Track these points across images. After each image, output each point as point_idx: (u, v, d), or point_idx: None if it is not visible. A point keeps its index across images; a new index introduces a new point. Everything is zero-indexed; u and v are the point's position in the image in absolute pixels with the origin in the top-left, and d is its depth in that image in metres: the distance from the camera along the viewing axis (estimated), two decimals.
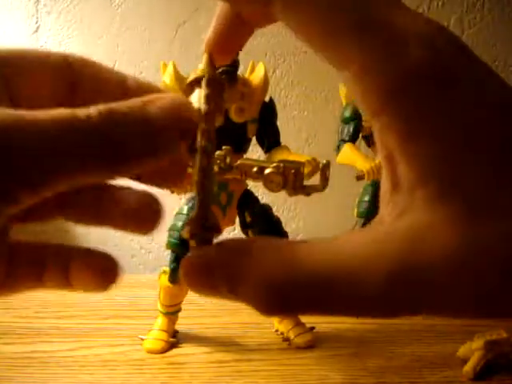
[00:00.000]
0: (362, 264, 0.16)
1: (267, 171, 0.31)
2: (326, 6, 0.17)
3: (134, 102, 0.18)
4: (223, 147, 0.40)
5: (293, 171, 0.29)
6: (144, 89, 0.21)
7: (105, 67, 0.21)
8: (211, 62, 0.21)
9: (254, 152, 0.62)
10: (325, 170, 0.31)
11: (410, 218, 0.16)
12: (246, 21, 0.20)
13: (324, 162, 0.36)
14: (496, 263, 0.15)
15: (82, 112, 0.17)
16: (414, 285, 0.16)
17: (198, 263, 0.18)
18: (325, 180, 0.30)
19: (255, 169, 0.33)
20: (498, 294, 0.16)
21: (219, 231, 0.19)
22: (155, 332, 0.50)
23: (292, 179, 0.29)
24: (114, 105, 0.17)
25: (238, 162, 0.36)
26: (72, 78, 0.20)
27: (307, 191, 0.28)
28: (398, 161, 0.16)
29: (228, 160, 0.38)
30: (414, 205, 0.16)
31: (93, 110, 0.17)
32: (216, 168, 0.41)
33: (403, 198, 0.16)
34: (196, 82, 0.20)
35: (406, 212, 0.16)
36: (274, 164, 0.30)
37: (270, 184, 0.30)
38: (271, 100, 0.51)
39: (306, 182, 0.32)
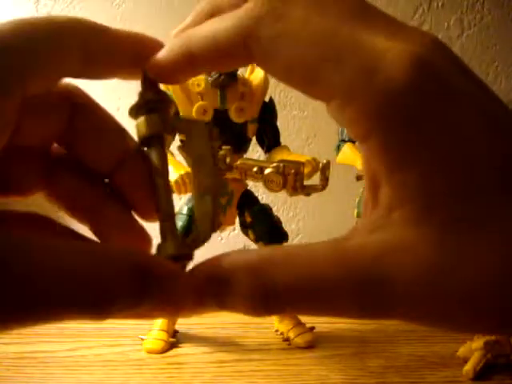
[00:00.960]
0: (328, 276, 0.16)
1: (267, 171, 0.31)
2: (299, 51, 0.17)
3: None
4: (223, 147, 0.40)
5: (293, 171, 0.29)
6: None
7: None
8: (149, 85, 0.19)
9: (254, 152, 0.62)
10: (325, 169, 0.31)
11: (383, 235, 0.16)
12: (199, 67, 0.20)
13: (324, 161, 0.36)
14: (464, 284, 0.16)
15: None
16: (380, 297, 0.16)
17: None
18: (325, 180, 0.30)
19: (255, 169, 0.33)
20: (468, 313, 0.16)
21: (190, 259, 0.19)
22: (155, 332, 0.50)
23: (292, 179, 0.29)
24: None
25: (238, 161, 0.36)
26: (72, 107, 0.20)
27: (307, 191, 0.28)
28: (381, 183, 0.17)
29: (228, 160, 0.38)
30: (390, 224, 0.16)
31: None
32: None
33: (380, 217, 0.17)
34: (139, 108, 0.19)
35: (379, 229, 0.17)
36: (274, 164, 0.30)
37: (270, 184, 0.30)
38: (271, 100, 0.51)
39: (306, 182, 0.32)
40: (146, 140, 0.19)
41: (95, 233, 0.21)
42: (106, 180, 0.21)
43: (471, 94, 0.17)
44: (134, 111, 0.19)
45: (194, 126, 0.20)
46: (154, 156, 0.19)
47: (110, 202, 0.21)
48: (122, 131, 0.21)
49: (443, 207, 0.16)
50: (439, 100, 0.16)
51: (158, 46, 0.21)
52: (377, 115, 0.16)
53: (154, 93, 0.19)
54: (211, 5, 0.21)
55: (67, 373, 0.46)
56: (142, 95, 0.19)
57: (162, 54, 0.20)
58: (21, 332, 0.53)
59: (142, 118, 0.19)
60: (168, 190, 0.19)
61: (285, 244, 0.16)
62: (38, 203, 0.22)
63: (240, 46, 0.18)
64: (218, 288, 0.18)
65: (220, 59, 0.19)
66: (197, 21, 0.22)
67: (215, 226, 0.19)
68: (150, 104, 0.19)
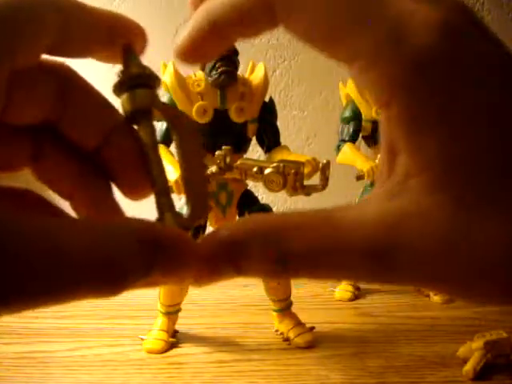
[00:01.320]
0: (344, 240, 0.17)
1: (267, 171, 0.30)
2: (325, 8, 0.17)
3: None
4: (223, 147, 0.40)
5: (293, 171, 0.29)
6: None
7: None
8: (132, 60, 0.19)
9: (254, 152, 0.62)
10: (325, 169, 0.31)
11: (400, 202, 0.17)
12: (225, 37, 0.20)
13: (324, 161, 0.36)
14: (476, 252, 0.16)
15: None
16: (395, 261, 0.16)
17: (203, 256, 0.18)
18: (325, 180, 0.30)
19: (255, 169, 0.33)
20: (479, 281, 0.16)
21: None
22: (155, 332, 0.50)
23: (292, 179, 0.29)
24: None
25: (238, 162, 0.36)
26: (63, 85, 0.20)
27: (307, 191, 0.28)
28: (400, 150, 0.17)
29: (228, 160, 0.38)
30: (407, 191, 0.17)
31: None
32: (216, 168, 0.41)
33: (396, 184, 0.17)
34: (122, 84, 0.19)
35: (396, 196, 0.17)
36: (274, 164, 0.30)
37: (270, 184, 0.30)
38: (271, 100, 0.51)
39: (306, 182, 0.31)
40: (132, 116, 0.18)
41: (75, 210, 0.21)
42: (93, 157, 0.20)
43: (495, 57, 0.17)
44: (118, 88, 0.18)
45: (178, 116, 0.20)
46: (143, 132, 0.18)
47: (94, 180, 0.21)
48: (110, 107, 0.20)
49: (460, 176, 0.16)
50: (465, 66, 0.16)
51: (135, 26, 0.21)
52: (401, 80, 0.16)
53: (137, 67, 0.18)
54: None
55: (67, 373, 0.46)
56: (124, 71, 0.18)
57: (185, 33, 0.20)
58: (21, 332, 0.53)
59: (125, 94, 0.18)
60: (161, 165, 0.19)
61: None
62: (23, 180, 0.22)
63: (263, 6, 0.18)
64: (233, 253, 0.18)
65: (244, 25, 0.19)
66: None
67: (208, 205, 0.19)
68: (135, 79, 0.18)
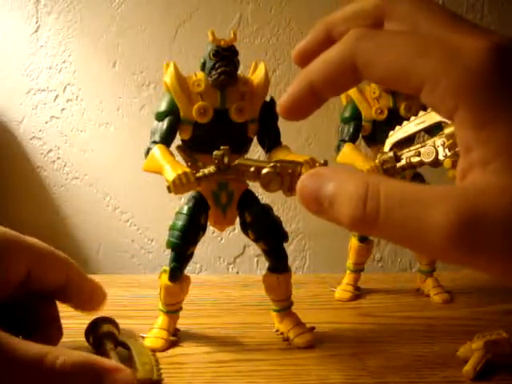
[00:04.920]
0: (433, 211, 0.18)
1: (264, 171, 0.31)
2: (393, 57, 0.21)
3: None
4: (221, 147, 0.40)
5: (289, 171, 0.29)
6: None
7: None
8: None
9: (254, 152, 0.62)
10: None
11: (481, 183, 0.19)
12: (319, 95, 0.24)
13: (321, 161, 0.36)
14: None
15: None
16: (475, 242, 0.18)
17: (310, 180, 0.23)
18: None
19: (252, 169, 0.33)
20: None
21: None
22: (156, 330, 0.50)
23: (288, 179, 0.29)
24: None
25: (236, 162, 0.36)
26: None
27: None
28: (473, 147, 0.19)
29: (226, 160, 0.38)
30: (486, 175, 0.19)
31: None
32: (214, 168, 0.41)
33: (476, 174, 0.19)
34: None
35: (478, 180, 0.19)
36: (271, 164, 0.30)
37: (267, 184, 0.30)
38: (272, 99, 0.51)
39: None
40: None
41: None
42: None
43: None
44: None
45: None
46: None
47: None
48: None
49: None
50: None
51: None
52: (460, 91, 0.19)
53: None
54: (323, 29, 0.27)
55: None
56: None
57: (288, 93, 0.25)
58: None
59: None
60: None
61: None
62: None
63: (348, 64, 0.22)
64: (331, 196, 0.21)
65: (335, 81, 0.23)
66: (310, 42, 0.28)
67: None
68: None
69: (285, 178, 0.29)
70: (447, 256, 0.18)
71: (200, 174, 0.42)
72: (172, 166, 0.44)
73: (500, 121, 0.19)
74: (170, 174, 0.43)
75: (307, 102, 0.25)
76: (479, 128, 0.19)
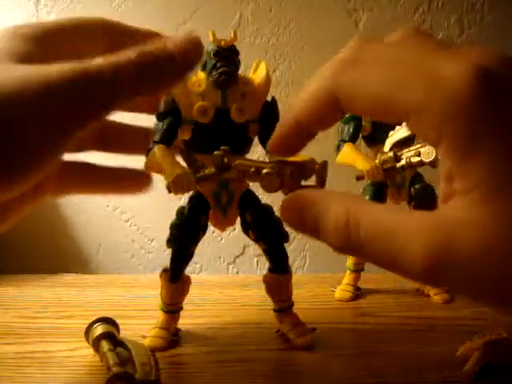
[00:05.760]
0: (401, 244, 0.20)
1: (264, 171, 0.31)
2: (375, 91, 0.21)
3: (157, 45, 0.27)
4: (221, 148, 0.40)
5: (289, 172, 0.29)
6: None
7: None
8: None
9: (254, 152, 0.62)
10: (320, 170, 0.31)
11: (456, 213, 0.19)
12: (307, 130, 0.25)
13: (320, 162, 0.36)
14: None
15: (124, 54, 0.26)
16: (448, 273, 0.19)
17: (293, 203, 0.24)
18: (321, 181, 0.30)
19: (252, 169, 0.33)
20: None
21: None
22: (156, 330, 0.51)
23: (288, 180, 0.29)
24: (143, 48, 0.26)
25: (236, 162, 0.36)
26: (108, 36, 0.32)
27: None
28: (454, 177, 0.20)
29: (226, 160, 0.38)
30: (462, 206, 0.19)
31: (131, 53, 0.26)
32: (214, 168, 0.41)
33: (456, 200, 0.20)
34: None
35: (453, 209, 0.20)
36: (271, 164, 0.30)
37: (267, 185, 0.30)
38: (273, 99, 0.51)
39: (304, 183, 0.31)
40: None
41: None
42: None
43: None
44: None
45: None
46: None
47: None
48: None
49: (506, 192, 0.18)
50: (495, 102, 0.19)
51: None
52: (442, 123, 0.19)
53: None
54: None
55: (67, 373, 0.46)
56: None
57: (276, 134, 0.26)
58: (21, 332, 0.54)
59: None
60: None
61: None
62: None
63: (330, 100, 0.23)
64: (314, 221, 0.23)
65: (320, 116, 0.24)
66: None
67: None
68: None
69: (285, 178, 0.29)
70: (426, 283, 0.20)
71: (200, 174, 0.42)
72: (172, 166, 0.44)
73: (479, 153, 0.19)
74: (170, 174, 0.43)
75: (297, 139, 0.26)
76: (459, 160, 0.19)
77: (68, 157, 0.34)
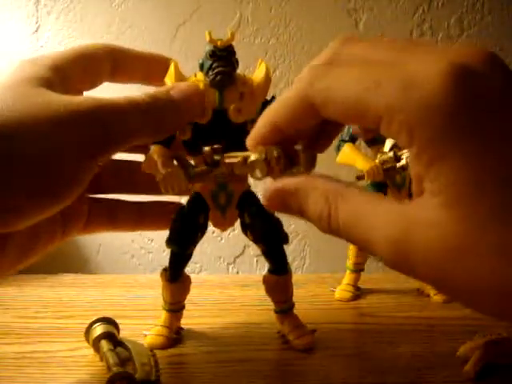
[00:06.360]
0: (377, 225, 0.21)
1: (251, 158, 0.31)
2: (345, 90, 0.21)
3: (162, 90, 0.33)
4: (214, 146, 0.40)
5: (276, 155, 0.29)
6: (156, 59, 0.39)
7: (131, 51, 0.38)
8: None
9: None
10: (307, 153, 0.31)
11: (422, 213, 0.20)
12: (286, 133, 0.26)
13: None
14: (478, 266, 0.18)
15: (138, 97, 0.30)
16: (406, 265, 0.20)
17: (275, 191, 0.26)
18: (307, 163, 0.30)
19: (239, 159, 0.33)
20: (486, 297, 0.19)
21: None
22: (157, 328, 0.51)
23: (275, 164, 0.29)
24: (152, 92, 0.31)
25: (224, 155, 0.36)
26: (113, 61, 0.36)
27: (290, 174, 0.28)
28: (423, 180, 0.20)
29: (217, 157, 0.38)
30: (428, 208, 0.20)
31: (144, 97, 0.31)
32: (203, 166, 0.40)
33: (424, 199, 0.20)
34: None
35: (421, 209, 0.20)
36: (259, 148, 0.30)
37: (254, 171, 0.30)
38: (273, 98, 0.51)
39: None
40: None
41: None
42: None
43: (496, 90, 0.19)
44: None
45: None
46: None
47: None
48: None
49: (470, 198, 0.19)
50: (469, 105, 0.19)
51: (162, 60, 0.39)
52: (412, 127, 0.19)
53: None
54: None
55: (67, 373, 0.46)
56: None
57: (255, 129, 0.28)
58: (21, 332, 0.54)
59: None
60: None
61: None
62: None
63: (306, 105, 0.23)
64: (298, 209, 0.25)
65: (296, 120, 0.25)
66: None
67: None
68: None
69: (272, 163, 0.29)
70: (392, 268, 0.21)
71: (191, 172, 0.42)
72: (164, 164, 0.44)
73: (448, 158, 0.19)
74: (161, 170, 0.43)
75: (273, 137, 0.27)
76: (428, 165, 0.20)
77: (96, 195, 0.39)
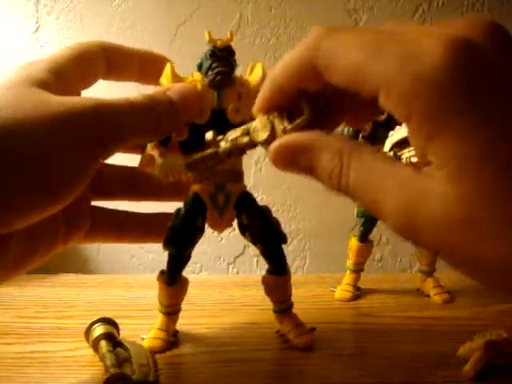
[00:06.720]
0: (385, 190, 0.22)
1: (253, 125, 0.30)
2: (350, 58, 0.21)
3: (160, 91, 0.34)
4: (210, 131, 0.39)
5: (276, 114, 0.29)
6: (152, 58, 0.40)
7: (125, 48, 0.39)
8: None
9: (253, 152, 0.62)
10: (309, 101, 0.30)
11: (429, 185, 0.20)
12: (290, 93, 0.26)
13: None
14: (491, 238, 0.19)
15: (136, 98, 0.31)
16: (414, 233, 0.21)
17: (285, 147, 0.25)
18: (308, 109, 0.29)
19: (242, 131, 0.32)
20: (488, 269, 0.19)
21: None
22: (154, 331, 0.50)
23: (278, 123, 0.29)
24: (150, 93, 0.32)
25: (227, 134, 0.35)
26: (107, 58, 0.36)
27: (295, 128, 0.27)
28: (426, 154, 0.20)
29: (218, 137, 0.37)
30: (433, 179, 0.20)
31: (142, 97, 0.31)
32: (204, 151, 0.40)
33: (430, 172, 0.20)
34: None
35: (426, 181, 0.20)
36: (260, 115, 0.30)
37: (258, 135, 0.30)
38: None
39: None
40: None
41: None
42: None
43: (496, 65, 0.19)
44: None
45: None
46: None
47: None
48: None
49: (472, 172, 0.19)
50: (470, 78, 0.19)
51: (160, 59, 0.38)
52: (412, 99, 0.19)
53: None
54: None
55: (67, 373, 0.46)
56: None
57: (259, 97, 0.28)
58: (21, 332, 0.54)
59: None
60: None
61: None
62: None
63: (309, 67, 0.23)
64: (308, 167, 0.24)
65: (299, 79, 0.24)
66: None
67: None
68: None
69: (274, 123, 0.29)
70: (399, 235, 0.22)
71: (189, 159, 0.41)
72: (161, 153, 0.44)
73: (447, 132, 0.19)
74: (158, 159, 0.43)
75: (277, 98, 0.27)
76: (428, 138, 0.20)
77: (99, 204, 0.40)
